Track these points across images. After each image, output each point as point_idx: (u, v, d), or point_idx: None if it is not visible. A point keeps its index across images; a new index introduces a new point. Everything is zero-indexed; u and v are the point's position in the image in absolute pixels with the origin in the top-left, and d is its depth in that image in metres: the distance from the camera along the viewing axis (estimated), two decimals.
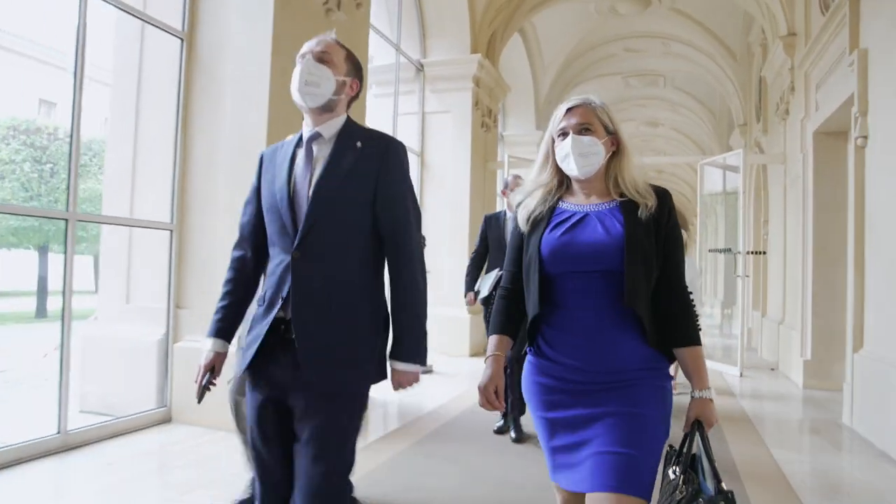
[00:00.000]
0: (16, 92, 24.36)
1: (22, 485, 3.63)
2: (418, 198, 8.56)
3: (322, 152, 1.93)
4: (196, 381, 1.98)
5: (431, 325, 7.43)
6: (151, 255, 5.25)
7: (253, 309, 2.02)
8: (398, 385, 1.97)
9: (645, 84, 15.67)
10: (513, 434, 4.78)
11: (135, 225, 5.25)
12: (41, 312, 18.60)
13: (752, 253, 10.90)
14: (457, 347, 9.32)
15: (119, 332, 5.22)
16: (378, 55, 9.34)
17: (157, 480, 3.87)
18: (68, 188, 4.36)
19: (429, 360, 8.00)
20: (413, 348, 1.94)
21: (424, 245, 8.10)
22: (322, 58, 1.94)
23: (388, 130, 8.60)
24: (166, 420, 4.98)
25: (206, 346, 2.01)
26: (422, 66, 9.81)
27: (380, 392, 6.30)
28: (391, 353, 1.96)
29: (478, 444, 4.62)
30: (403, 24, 9.40)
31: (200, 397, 1.98)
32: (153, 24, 5.02)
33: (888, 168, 5.00)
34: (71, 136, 4.29)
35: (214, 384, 2.00)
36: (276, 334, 1.87)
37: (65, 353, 4.21)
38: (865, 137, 5.37)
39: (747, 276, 9.29)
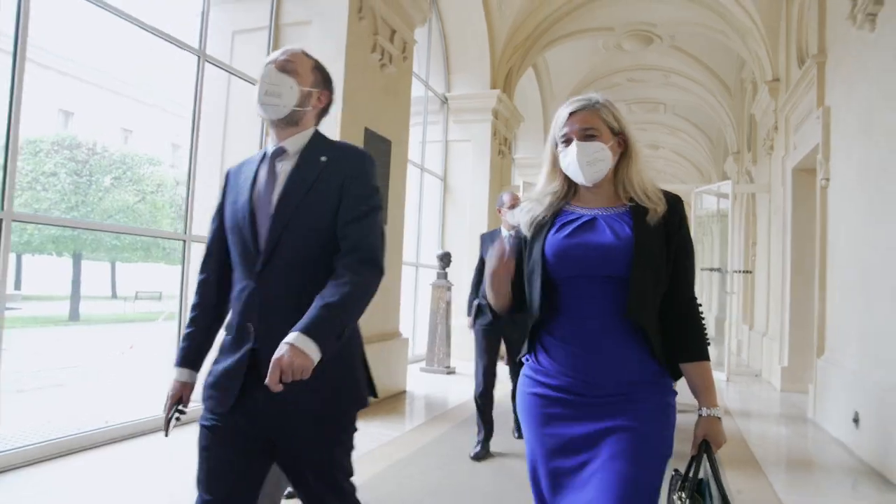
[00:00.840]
0: (40, 103, 25.44)
1: (145, 451, 4.60)
2: (442, 218, 9.70)
3: (285, 168, 1.82)
4: (164, 414, 1.87)
5: (453, 334, 8.46)
6: None
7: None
8: (276, 367, 1.55)
9: (646, 110, 16.77)
10: (478, 448, 4.82)
11: None
12: (74, 316, 19.69)
13: (740, 272, 11.97)
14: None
15: None
16: None
17: None
18: (186, 214, 5.42)
19: (451, 363, 9.06)
20: (319, 326, 1.61)
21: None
22: (285, 67, 1.84)
23: (416, 157, 9.76)
24: None
25: (171, 375, 1.89)
26: (446, 99, 10.92)
27: (409, 386, 7.38)
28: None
29: (504, 427, 5.55)
30: (430, 61, 10.51)
31: (167, 429, 1.88)
32: (239, 77, 6.09)
33: (844, 206, 6.07)
34: (189, 170, 5.35)
35: (184, 412, 1.88)
36: (250, 366, 1.72)
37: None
38: (828, 180, 6.45)
39: (734, 293, 10.34)
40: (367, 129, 6.34)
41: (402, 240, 7.78)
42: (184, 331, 1.92)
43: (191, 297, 1.97)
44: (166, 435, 1.88)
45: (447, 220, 10.83)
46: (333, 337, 1.65)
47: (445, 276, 9.12)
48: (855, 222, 5.76)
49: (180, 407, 1.87)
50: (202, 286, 1.93)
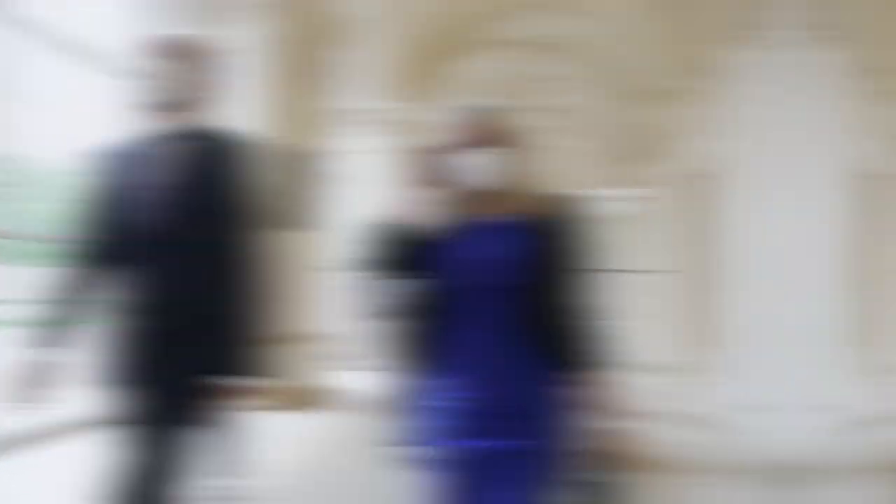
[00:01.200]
0: None
1: None
2: (359, 225, 9.80)
3: (173, 150, 1.83)
4: (16, 397, 1.79)
5: (377, 333, 8.62)
6: None
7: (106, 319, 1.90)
8: (223, 401, 1.78)
9: (549, 116, 17.15)
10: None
11: None
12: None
13: (644, 272, 12.57)
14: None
15: None
16: None
17: None
18: None
19: (376, 361, 9.19)
20: (244, 364, 1.79)
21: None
22: (176, 51, 1.85)
23: (337, 168, 9.85)
24: None
25: (26, 356, 1.84)
26: (362, 111, 11.01)
27: (337, 383, 7.49)
28: (212, 365, 1.77)
29: None
30: (345, 76, 10.64)
31: (27, 412, 1.85)
32: None
33: (735, 209, 6.52)
34: None
35: (42, 398, 1.83)
36: (157, 344, 1.79)
37: None
38: (720, 185, 6.98)
39: (638, 292, 10.91)
40: (290, 146, 6.47)
41: (323, 244, 8.07)
42: (47, 312, 1.86)
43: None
44: (26, 414, 1.86)
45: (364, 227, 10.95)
46: (259, 360, 1.82)
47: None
48: (744, 223, 6.27)
49: (41, 389, 1.81)
50: (68, 270, 1.88)
